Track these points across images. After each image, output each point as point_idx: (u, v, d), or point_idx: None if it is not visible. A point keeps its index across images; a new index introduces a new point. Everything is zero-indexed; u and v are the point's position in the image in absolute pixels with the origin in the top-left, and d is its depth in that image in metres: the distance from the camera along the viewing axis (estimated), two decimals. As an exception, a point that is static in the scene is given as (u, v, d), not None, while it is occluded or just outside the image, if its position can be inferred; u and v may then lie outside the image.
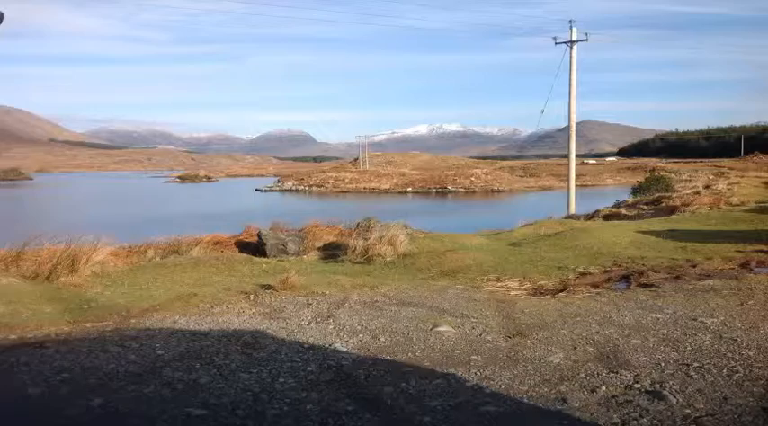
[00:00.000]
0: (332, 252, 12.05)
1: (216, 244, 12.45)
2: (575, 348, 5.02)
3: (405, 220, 14.50)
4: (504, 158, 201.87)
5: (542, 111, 35.00)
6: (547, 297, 7.55)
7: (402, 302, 7.05)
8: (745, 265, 9.28)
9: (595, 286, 8.17)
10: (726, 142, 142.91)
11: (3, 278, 7.65)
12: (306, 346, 5.12)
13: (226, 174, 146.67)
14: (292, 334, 5.53)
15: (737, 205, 20.18)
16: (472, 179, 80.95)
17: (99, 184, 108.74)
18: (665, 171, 50.02)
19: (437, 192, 74.91)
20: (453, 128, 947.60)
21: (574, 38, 31.09)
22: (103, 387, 3.96)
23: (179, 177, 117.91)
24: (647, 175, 38.24)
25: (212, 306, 6.69)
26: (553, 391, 4.00)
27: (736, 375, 4.21)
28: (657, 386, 4.03)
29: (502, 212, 40.54)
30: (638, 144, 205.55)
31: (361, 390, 4.05)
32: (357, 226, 13.69)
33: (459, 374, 4.39)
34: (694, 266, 9.32)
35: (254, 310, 6.56)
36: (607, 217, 21.41)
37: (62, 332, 5.47)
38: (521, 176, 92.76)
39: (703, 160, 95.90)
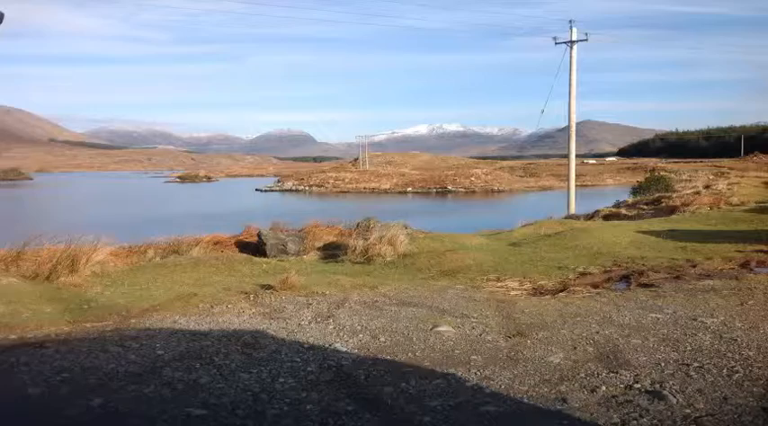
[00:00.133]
0: (332, 252, 12.05)
1: (216, 244, 12.45)
2: (575, 348, 5.02)
3: (405, 220, 14.50)
4: (504, 158, 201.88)
5: (542, 111, 35.05)
6: (547, 297, 7.55)
7: (402, 302, 7.05)
8: (745, 265, 9.28)
9: (595, 286, 8.17)
10: (726, 142, 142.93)
11: (3, 278, 7.65)
12: (306, 346, 5.12)
13: (226, 174, 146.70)
14: (292, 334, 5.53)
15: (737, 205, 20.18)
16: (472, 179, 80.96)
17: (99, 184, 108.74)
18: (665, 171, 50.03)
19: (437, 192, 74.91)
20: (453, 128, 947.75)
21: (574, 38, 31.10)
22: (103, 387, 3.96)
23: (179, 177, 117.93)
24: (647, 175, 38.24)
25: (212, 306, 6.69)
26: (553, 391, 4.00)
27: (736, 375, 4.21)
28: (657, 385, 4.03)
29: (502, 212, 40.55)
30: (638, 144, 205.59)
31: (361, 390, 4.05)
32: (357, 226, 13.69)
33: (459, 374, 4.39)
34: (694, 266, 9.32)
35: (254, 310, 6.56)
36: (607, 217, 21.41)
37: (62, 332, 5.47)
38: (521, 176, 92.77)
39: (703, 160, 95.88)
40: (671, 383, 4.08)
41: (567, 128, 32.64)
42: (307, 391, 4.00)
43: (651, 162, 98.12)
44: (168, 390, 3.96)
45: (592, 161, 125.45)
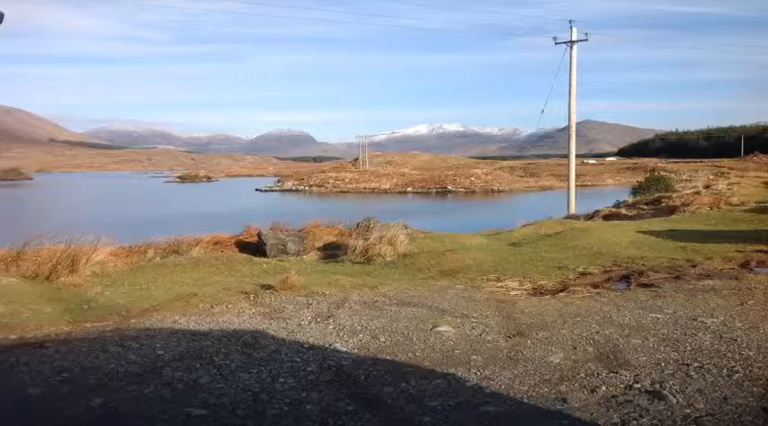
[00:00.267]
0: (332, 252, 12.05)
1: (216, 244, 12.45)
2: (575, 348, 5.02)
3: (405, 220, 14.50)
4: (504, 158, 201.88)
5: (542, 111, 35.05)
6: (547, 297, 7.55)
7: (402, 302, 7.05)
8: (745, 265, 9.28)
9: (595, 286, 8.17)
10: (726, 142, 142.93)
11: (3, 278, 7.65)
12: (306, 346, 5.12)
13: (226, 174, 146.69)
14: (292, 334, 5.53)
15: (737, 205, 20.18)
16: (472, 179, 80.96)
17: (99, 184, 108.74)
18: (665, 171, 50.03)
19: (437, 192, 74.91)
20: (453, 128, 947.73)
21: (574, 38, 31.11)
22: (103, 387, 3.96)
23: (179, 177, 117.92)
24: (647, 175, 38.24)
25: (212, 306, 6.69)
26: (553, 391, 4.00)
27: (736, 375, 4.21)
28: (657, 385, 4.03)
29: (502, 212, 40.54)
30: (638, 144, 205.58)
31: (361, 390, 4.05)
32: (357, 226, 13.69)
33: (460, 374, 4.39)
34: (694, 266, 9.32)
35: (254, 310, 6.56)
36: (607, 217, 21.41)
37: (62, 332, 5.47)
38: (521, 176, 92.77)
39: (703, 160, 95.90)
40: (671, 383, 4.08)
41: (567, 128, 32.64)
42: (307, 391, 4.00)
43: (651, 162, 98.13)
44: (168, 390, 3.96)
45: (592, 161, 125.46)
